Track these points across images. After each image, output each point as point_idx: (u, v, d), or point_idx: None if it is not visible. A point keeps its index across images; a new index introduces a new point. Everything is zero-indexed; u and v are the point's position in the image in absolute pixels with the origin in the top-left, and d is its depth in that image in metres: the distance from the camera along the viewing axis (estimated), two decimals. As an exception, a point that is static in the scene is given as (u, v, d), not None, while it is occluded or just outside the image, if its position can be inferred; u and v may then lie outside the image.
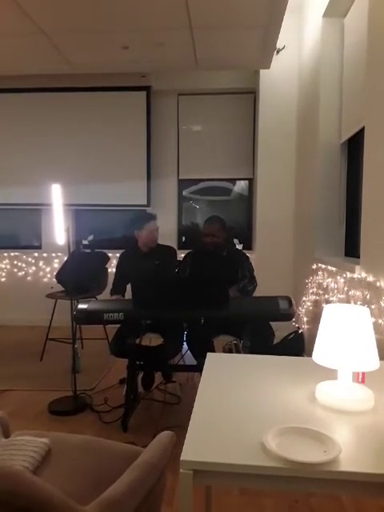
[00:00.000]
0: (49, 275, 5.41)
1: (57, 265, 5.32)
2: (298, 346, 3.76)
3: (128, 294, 2.96)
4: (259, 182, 4.77)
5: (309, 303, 3.80)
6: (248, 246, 5.25)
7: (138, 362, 2.83)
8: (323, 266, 3.33)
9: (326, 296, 3.18)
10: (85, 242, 5.18)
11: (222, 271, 3.02)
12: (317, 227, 3.58)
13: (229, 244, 3.24)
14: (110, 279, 3.34)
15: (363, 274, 2.33)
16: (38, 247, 5.54)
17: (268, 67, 4.40)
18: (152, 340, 2.94)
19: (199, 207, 5.63)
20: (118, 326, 2.87)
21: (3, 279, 5.49)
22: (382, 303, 2.06)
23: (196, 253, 3.25)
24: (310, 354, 1.36)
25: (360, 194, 2.54)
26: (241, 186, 5.50)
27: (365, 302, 2.29)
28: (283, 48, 4.48)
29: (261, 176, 4.76)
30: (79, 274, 3.54)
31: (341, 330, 1.23)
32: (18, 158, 5.30)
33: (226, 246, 3.13)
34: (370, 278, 2.21)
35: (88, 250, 4.60)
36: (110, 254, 4.39)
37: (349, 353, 1.21)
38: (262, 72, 4.61)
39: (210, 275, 2.96)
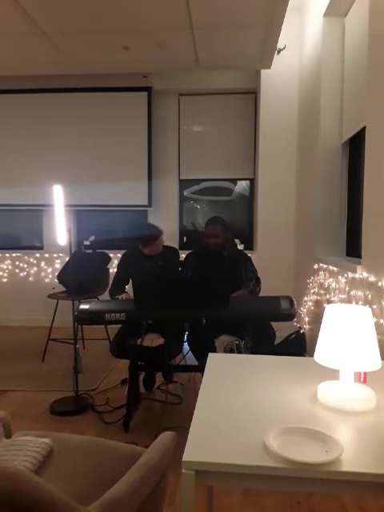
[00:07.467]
0: (50, 276, 5.41)
1: (58, 265, 5.33)
2: (300, 346, 3.76)
3: (130, 294, 2.96)
4: (260, 182, 4.77)
5: (310, 303, 3.79)
6: (249, 246, 5.25)
7: (139, 363, 2.83)
8: (324, 266, 3.33)
9: (328, 296, 3.18)
10: (86, 243, 5.19)
11: (223, 271, 3.02)
12: (318, 227, 3.57)
13: (230, 244, 3.24)
14: (112, 279, 3.34)
15: (365, 274, 2.33)
16: (40, 248, 5.55)
17: (269, 67, 4.40)
18: (153, 340, 2.94)
19: (200, 207, 5.63)
20: (119, 326, 2.88)
21: (5, 280, 5.50)
22: (383, 303, 2.06)
23: (197, 253, 3.25)
24: (311, 354, 1.36)
25: (361, 194, 2.54)
26: (242, 186, 5.50)
27: (366, 302, 2.29)
28: (284, 48, 4.48)
29: (262, 176, 4.76)
30: (81, 275, 3.54)
31: (342, 330, 1.23)
32: (20, 159, 5.30)
33: (227, 247, 3.14)
34: (372, 278, 2.21)
35: (89, 251, 4.61)
36: (111, 255, 4.40)
37: (350, 353, 1.21)
38: (263, 72, 4.61)
39: (212, 275, 2.96)
